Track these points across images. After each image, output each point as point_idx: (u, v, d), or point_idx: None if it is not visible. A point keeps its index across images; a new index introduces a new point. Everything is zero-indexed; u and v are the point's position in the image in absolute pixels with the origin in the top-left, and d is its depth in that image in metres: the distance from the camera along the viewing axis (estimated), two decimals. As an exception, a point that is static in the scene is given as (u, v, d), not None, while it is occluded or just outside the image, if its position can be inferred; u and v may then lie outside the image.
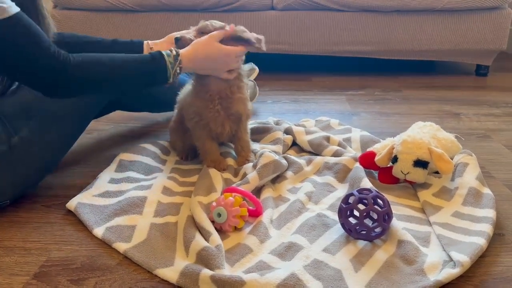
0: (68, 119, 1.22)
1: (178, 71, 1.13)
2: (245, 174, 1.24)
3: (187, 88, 1.29)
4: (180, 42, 1.19)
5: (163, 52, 1.12)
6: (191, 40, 1.19)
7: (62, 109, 1.19)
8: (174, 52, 1.13)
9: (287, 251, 0.95)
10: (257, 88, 1.84)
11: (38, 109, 1.15)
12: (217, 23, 1.22)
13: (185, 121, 1.29)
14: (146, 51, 1.33)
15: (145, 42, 1.35)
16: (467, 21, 2.27)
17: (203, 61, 1.16)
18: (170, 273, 0.89)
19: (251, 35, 1.19)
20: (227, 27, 1.20)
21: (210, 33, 1.18)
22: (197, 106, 1.23)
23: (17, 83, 1.19)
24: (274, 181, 1.25)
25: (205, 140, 1.27)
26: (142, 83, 1.13)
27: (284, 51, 2.37)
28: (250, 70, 1.91)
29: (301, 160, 1.32)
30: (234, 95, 1.23)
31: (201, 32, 1.20)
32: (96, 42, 1.32)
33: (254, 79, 1.90)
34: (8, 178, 1.09)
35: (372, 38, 2.32)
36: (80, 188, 1.19)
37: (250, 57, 2.37)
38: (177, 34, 1.23)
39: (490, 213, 1.05)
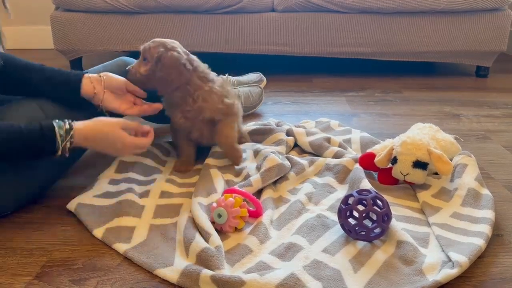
0: None
1: (68, 145, 1.04)
2: (247, 175, 1.25)
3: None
4: (129, 75, 1.22)
5: (55, 125, 1.03)
6: (135, 73, 1.21)
7: None
8: (67, 126, 1.04)
9: (287, 251, 0.96)
10: (263, 96, 1.85)
11: None
12: (157, 43, 1.21)
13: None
14: (85, 83, 1.20)
15: (85, 75, 1.21)
16: (467, 22, 2.28)
17: (98, 143, 1.10)
18: (170, 273, 0.90)
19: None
20: (161, 54, 1.19)
21: (121, 121, 1.12)
22: (171, 117, 1.30)
23: (19, 96, 1.19)
24: (275, 182, 1.25)
25: (182, 140, 1.33)
26: (22, 157, 1.05)
27: (284, 52, 2.37)
28: (258, 81, 1.92)
29: (303, 161, 1.33)
30: (193, 106, 1.24)
31: (144, 58, 1.21)
32: (33, 69, 1.21)
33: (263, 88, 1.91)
34: (10, 191, 1.09)
35: (372, 40, 2.32)
36: (80, 189, 1.19)
37: (253, 61, 2.39)
38: (128, 66, 1.23)
39: (489, 214, 1.05)
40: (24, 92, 1.19)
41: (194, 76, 1.24)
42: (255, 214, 1.08)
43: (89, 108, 1.21)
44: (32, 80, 1.18)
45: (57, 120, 1.05)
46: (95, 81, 1.20)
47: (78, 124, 1.06)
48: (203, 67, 1.28)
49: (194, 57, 1.27)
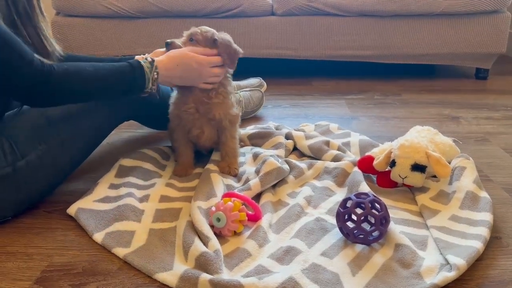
0: (78, 145, 1.23)
1: (155, 76, 1.16)
2: (247, 180, 1.25)
3: (173, 93, 1.33)
4: (170, 47, 1.24)
5: (140, 61, 1.15)
6: (180, 47, 1.24)
7: (74, 135, 1.20)
8: (150, 59, 1.16)
9: (286, 255, 0.96)
10: (264, 100, 1.87)
11: (50, 135, 1.15)
12: (206, 28, 1.25)
13: (170, 123, 1.34)
14: None
15: (136, 56, 1.33)
16: (466, 24, 2.28)
17: (177, 69, 1.20)
18: (169, 277, 0.90)
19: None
20: (216, 36, 1.25)
21: (188, 47, 1.24)
22: (177, 109, 1.29)
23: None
24: (275, 185, 1.25)
25: (181, 143, 1.32)
26: (121, 91, 1.15)
27: (284, 56, 2.38)
28: (258, 86, 1.94)
29: (302, 164, 1.33)
30: (211, 100, 1.26)
31: (191, 39, 1.25)
32: (96, 61, 1.34)
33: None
34: (11, 197, 1.10)
35: (371, 43, 2.33)
36: (81, 194, 1.20)
37: (253, 65, 2.39)
38: (168, 40, 1.26)
39: (487, 216, 1.06)
40: None
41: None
42: (254, 218, 1.09)
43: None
44: None
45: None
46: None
47: (157, 58, 1.19)
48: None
49: None
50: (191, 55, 1.22)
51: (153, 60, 1.16)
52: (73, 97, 1.11)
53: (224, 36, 1.26)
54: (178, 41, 1.25)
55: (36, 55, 1.01)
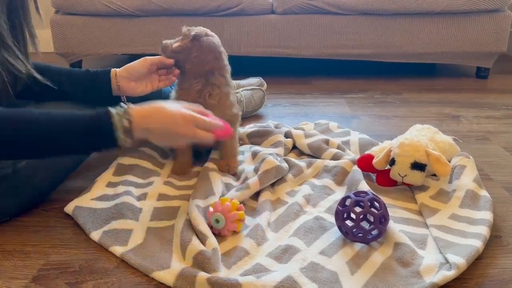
0: None
1: (126, 124, 0.93)
2: (246, 178, 1.24)
3: (172, 93, 1.32)
4: (161, 49, 1.23)
5: (112, 110, 0.95)
6: (167, 48, 1.22)
7: None
8: (121, 106, 0.96)
9: (284, 253, 0.96)
10: (265, 99, 1.87)
11: None
12: (199, 28, 1.23)
13: None
14: (113, 79, 1.26)
15: (112, 70, 1.26)
16: (467, 23, 2.27)
17: (157, 121, 0.98)
18: (166, 276, 0.89)
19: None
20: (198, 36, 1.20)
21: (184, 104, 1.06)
22: None
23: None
24: (274, 184, 1.25)
25: None
26: (83, 147, 1.01)
27: (284, 54, 2.38)
28: (259, 85, 1.93)
29: (301, 162, 1.32)
30: (206, 101, 1.23)
31: (184, 38, 1.22)
32: (66, 72, 1.27)
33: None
34: (10, 199, 1.09)
35: (372, 41, 2.32)
36: (79, 192, 1.19)
37: (252, 64, 2.39)
38: (166, 40, 1.23)
39: (487, 215, 1.05)
40: (52, 97, 1.20)
41: (223, 72, 1.26)
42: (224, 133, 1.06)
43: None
44: (62, 85, 1.21)
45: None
46: (119, 76, 1.27)
47: (134, 106, 0.98)
48: (229, 69, 1.28)
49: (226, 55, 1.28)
50: (178, 107, 1.00)
51: (128, 108, 0.96)
52: (6, 149, 0.94)
53: (211, 40, 1.21)
54: (173, 43, 1.22)
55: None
